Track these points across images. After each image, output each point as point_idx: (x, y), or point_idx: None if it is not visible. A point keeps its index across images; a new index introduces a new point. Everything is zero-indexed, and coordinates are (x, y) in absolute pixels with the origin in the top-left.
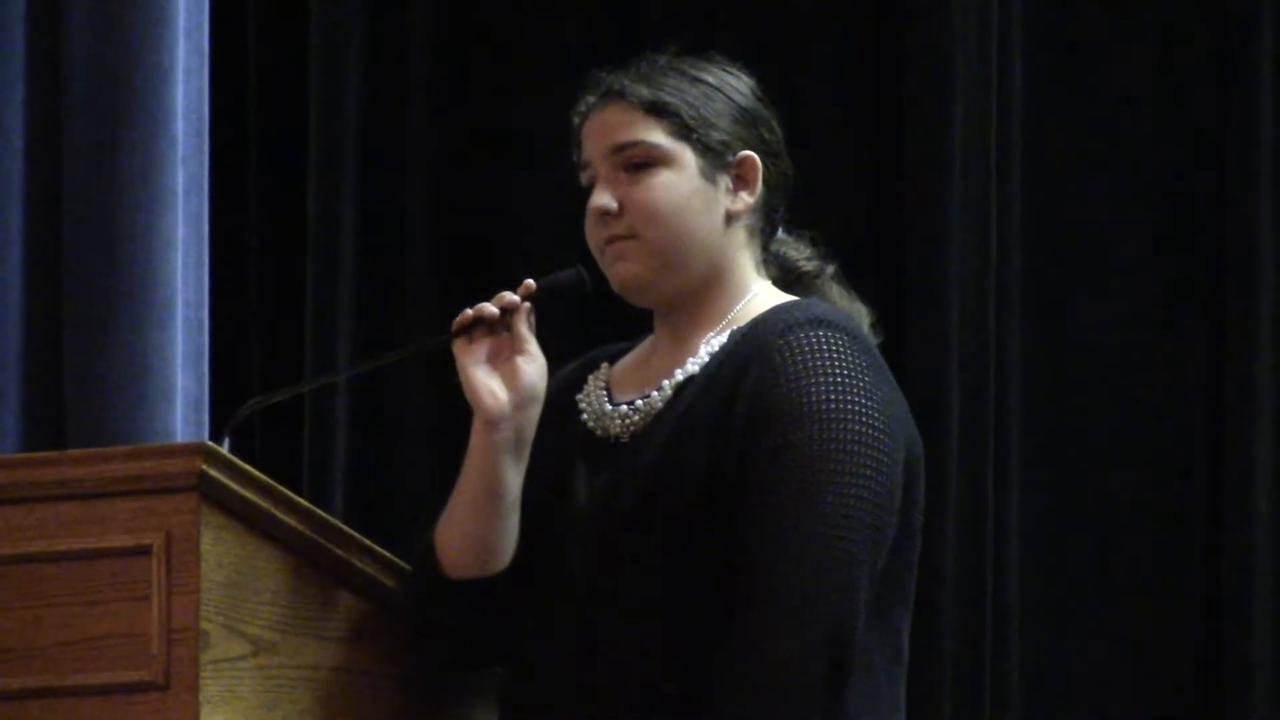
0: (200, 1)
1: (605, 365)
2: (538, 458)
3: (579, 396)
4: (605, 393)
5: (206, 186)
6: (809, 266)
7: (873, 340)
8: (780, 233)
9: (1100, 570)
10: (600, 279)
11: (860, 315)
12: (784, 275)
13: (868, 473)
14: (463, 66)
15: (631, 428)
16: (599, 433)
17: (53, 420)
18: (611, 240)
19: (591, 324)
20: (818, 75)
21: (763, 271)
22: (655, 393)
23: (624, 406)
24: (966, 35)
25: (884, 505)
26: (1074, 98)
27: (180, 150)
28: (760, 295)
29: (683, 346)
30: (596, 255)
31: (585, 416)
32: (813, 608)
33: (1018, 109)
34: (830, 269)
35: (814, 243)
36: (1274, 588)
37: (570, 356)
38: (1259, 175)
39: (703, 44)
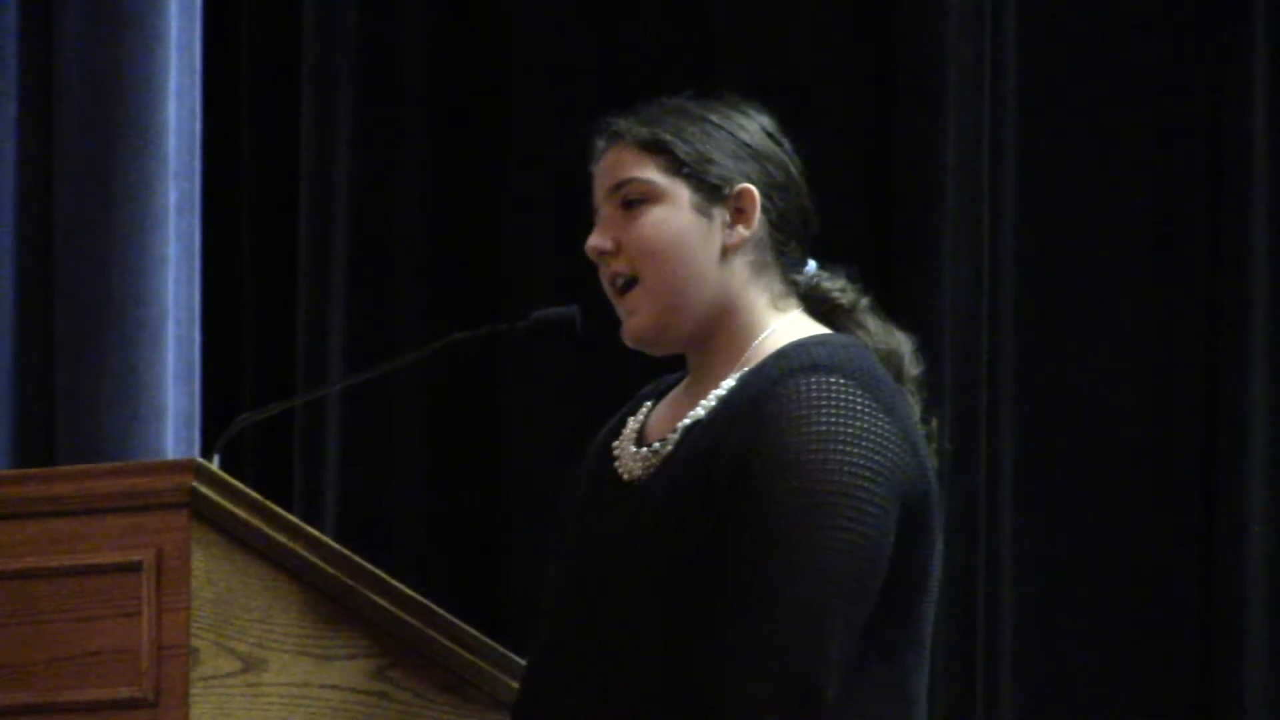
0: (192, 20)
1: (648, 405)
2: (572, 505)
3: (615, 444)
4: (636, 435)
5: (198, 204)
6: (844, 300)
7: (882, 376)
8: (813, 267)
9: (1093, 582)
10: (597, 321)
11: (899, 345)
12: (817, 308)
13: (847, 524)
14: (458, 82)
15: (651, 469)
16: (625, 476)
17: (44, 437)
18: (613, 281)
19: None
20: (817, 108)
21: (784, 305)
22: (670, 434)
23: (645, 449)
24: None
25: (866, 556)
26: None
27: (172, 168)
28: (780, 330)
29: (702, 388)
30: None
31: (618, 464)
32: (783, 663)
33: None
34: (865, 301)
35: (850, 277)
36: (1268, 599)
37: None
38: (1253, 185)
39: (701, 60)
